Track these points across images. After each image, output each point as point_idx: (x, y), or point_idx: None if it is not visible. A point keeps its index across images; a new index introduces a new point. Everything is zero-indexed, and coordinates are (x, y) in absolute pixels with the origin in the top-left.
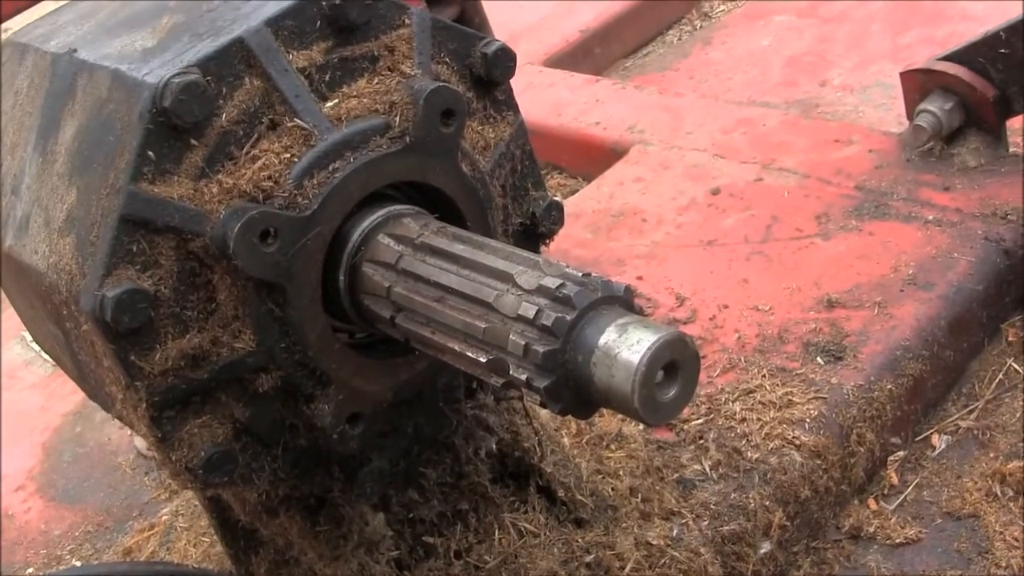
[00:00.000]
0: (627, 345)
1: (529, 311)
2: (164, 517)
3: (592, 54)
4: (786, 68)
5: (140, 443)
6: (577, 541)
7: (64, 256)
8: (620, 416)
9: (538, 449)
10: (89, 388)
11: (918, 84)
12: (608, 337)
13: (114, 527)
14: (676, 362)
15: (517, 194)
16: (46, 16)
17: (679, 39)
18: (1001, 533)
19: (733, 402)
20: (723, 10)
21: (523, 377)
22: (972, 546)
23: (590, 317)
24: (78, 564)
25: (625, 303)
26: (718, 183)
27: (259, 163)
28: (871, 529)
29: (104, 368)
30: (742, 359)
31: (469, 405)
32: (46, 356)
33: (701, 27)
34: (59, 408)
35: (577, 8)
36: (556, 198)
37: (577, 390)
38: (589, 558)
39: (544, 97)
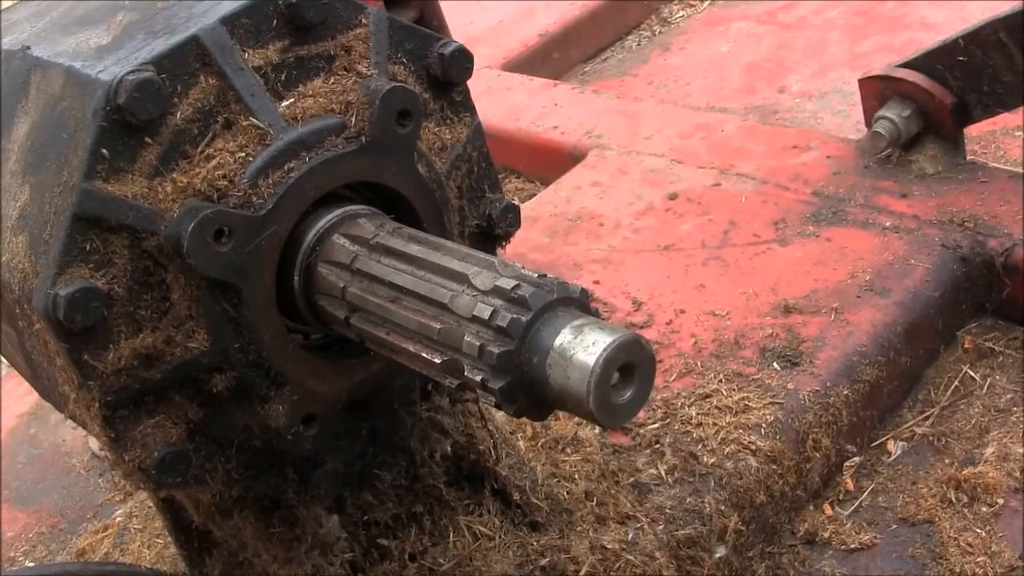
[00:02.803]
0: (583, 347)
1: (484, 312)
2: (118, 519)
3: (551, 58)
4: (745, 74)
5: (95, 444)
6: (532, 544)
7: (17, 254)
8: (576, 420)
9: (493, 452)
10: (42, 388)
11: (876, 91)
12: (564, 338)
13: (68, 529)
14: (632, 364)
15: (473, 196)
16: None
17: (638, 44)
18: (955, 539)
19: (689, 407)
20: (682, 16)
21: (478, 378)
22: (926, 552)
23: (546, 318)
24: (31, 564)
25: (581, 305)
26: (676, 188)
27: (214, 162)
28: (826, 534)
29: (57, 367)
30: (698, 364)
31: (424, 407)
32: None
33: (660, 32)
34: (13, 409)
35: (536, 12)
36: (513, 201)
37: (532, 392)
38: (544, 561)
39: (502, 101)
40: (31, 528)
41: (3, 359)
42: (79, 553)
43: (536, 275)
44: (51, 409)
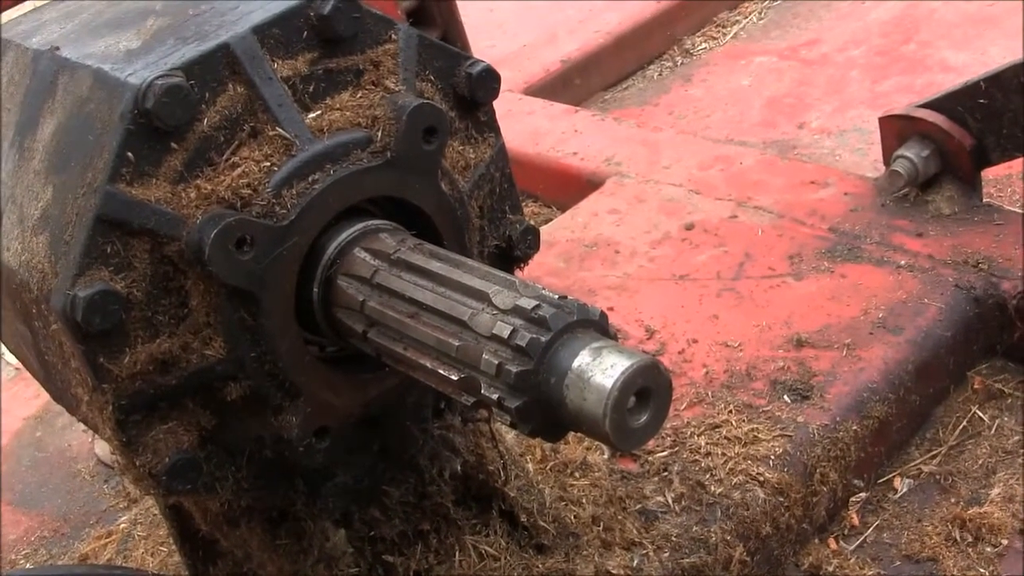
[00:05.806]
0: (601, 369)
1: (504, 331)
2: (122, 525)
3: (572, 85)
4: (765, 108)
5: (100, 450)
6: (537, 567)
7: (37, 254)
8: (585, 444)
9: (502, 473)
10: (55, 389)
11: (896, 130)
12: (582, 360)
13: (71, 533)
14: (649, 389)
15: (494, 216)
16: (29, 13)
17: (660, 74)
18: None
19: (699, 436)
20: (705, 48)
21: (495, 397)
22: None
23: (565, 339)
24: (31, 567)
25: (600, 327)
26: (693, 218)
27: (238, 170)
28: (830, 568)
29: (71, 369)
30: (709, 394)
31: (436, 425)
32: (9, 358)
33: (682, 64)
34: (19, 412)
35: (559, 38)
36: (532, 223)
37: (548, 412)
38: None
39: (522, 125)
40: (33, 532)
41: (12, 360)
42: (82, 558)
43: (556, 296)
44: (58, 413)
